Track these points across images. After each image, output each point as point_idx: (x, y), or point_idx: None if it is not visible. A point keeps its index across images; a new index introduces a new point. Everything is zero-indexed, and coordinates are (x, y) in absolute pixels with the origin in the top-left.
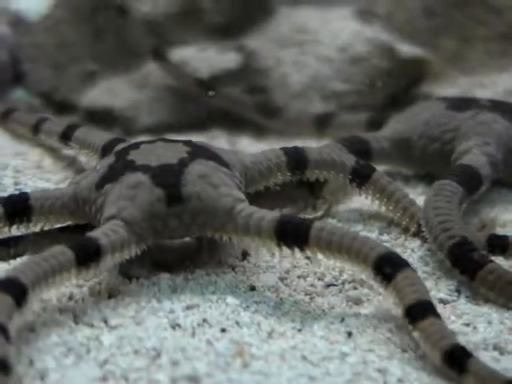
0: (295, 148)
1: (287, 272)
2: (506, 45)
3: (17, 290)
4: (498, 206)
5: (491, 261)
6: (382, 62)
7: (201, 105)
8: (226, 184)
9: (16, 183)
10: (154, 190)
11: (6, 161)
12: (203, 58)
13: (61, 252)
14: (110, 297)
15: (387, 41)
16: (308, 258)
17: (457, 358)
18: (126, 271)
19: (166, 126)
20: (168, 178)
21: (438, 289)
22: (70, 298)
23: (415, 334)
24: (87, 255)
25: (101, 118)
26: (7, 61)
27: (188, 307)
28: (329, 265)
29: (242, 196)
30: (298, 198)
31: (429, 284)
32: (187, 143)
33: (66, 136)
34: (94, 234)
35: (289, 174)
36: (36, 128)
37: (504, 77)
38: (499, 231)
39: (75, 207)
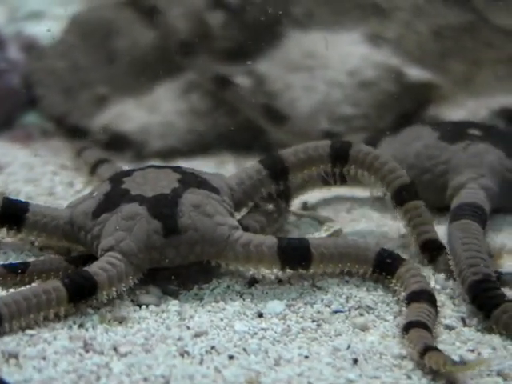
0: (272, 157)
1: (294, 299)
2: None
3: None
4: (504, 232)
5: (509, 300)
6: (391, 86)
7: (210, 129)
8: (219, 212)
9: None
10: (151, 221)
11: (18, 187)
12: (213, 82)
13: (54, 288)
14: (119, 324)
15: (396, 65)
16: (315, 285)
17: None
18: (136, 298)
19: (176, 151)
20: (164, 210)
21: (445, 315)
22: (81, 325)
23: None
24: (81, 293)
25: (112, 142)
26: (20, 85)
27: (196, 334)
28: (336, 291)
29: (236, 223)
30: (272, 209)
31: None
32: (176, 170)
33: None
34: (92, 268)
35: (273, 186)
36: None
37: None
38: (506, 258)
39: (70, 231)
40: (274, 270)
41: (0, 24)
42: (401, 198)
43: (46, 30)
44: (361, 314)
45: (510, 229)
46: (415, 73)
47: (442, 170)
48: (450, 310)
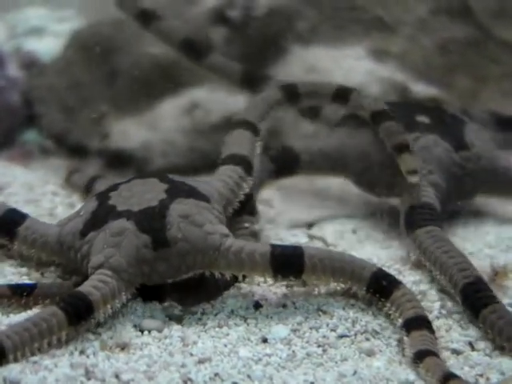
0: (243, 157)
1: (299, 323)
2: None
3: None
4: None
5: (498, 302)
6: None
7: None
8: (209, 221)
9: None
10: (139, 236)
11: (18, 207)
12: (215, 99)
13: (52, 314)
14: (121, 350)
15: (401, 80)
16: (321, 309)
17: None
18: (138, 324)
19: (178, 168)
20: (152, 223)
21: (452, 339)
22: (82, 352)
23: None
24: (79, 314)
25: (113, 160)
26: (19, 103)
27: (200, 361)
28: (341, 315)
29: (226, 230)
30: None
31: (443, 333)
32: (163, 179)
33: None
34: (84, 288)
35: (251, 180)
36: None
37: None
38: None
39: (59, 250)
40: (270, 281)
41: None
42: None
43: (46, 46)
44: (367, 339)
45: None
46: (420, 88)
47: (390, 163)
48: (458, 333)
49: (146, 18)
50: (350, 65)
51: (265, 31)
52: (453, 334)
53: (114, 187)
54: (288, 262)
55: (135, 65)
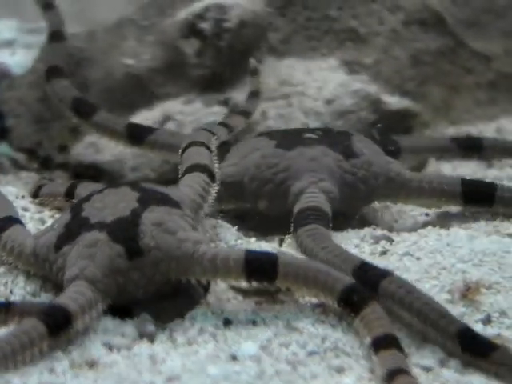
0: (205, 166)
1: (269, 340)
2: (493, 93)
3: None
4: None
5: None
6: (370, 115)
7: None
8: (182, 228)
9: None
10: (112, 246)
11: None
12: (188, 111)
13: (32, 326)
14: (90, 368)
15: (374, 92)
16: (291, 326)
17: None
18: (108, 341)
19: (151, 181)
20: (125, 233)
21: (422, 356)
22: (52, 370)
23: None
24: (58, 325)
25: (86, 173)
26: None
27: (169, 379)
28: (311, 332)
29: (200, 236)
30: None
31: (412, 351)
32: (135, 187)
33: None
34: (61, 300)
35: (216, 187)
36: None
37: (492, 125)
38: (483, 293)
39: (34, 262)
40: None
41: None
42: None
43: (17, 58)
44: (337, 356)
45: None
46: (394, 100)
47: (283, 178)
48: (428, 350)
49: (51, 74)
50: (323, 77)
51: (237, 43)
52: (423, 351)
53: (88, 198)
54: (261, 269)
55: (108, 76)
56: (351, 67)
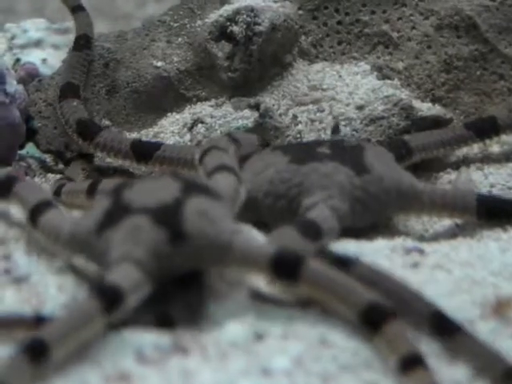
0: (231, 169)
1: (300, 354)
2: None
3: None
4: None
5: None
6: (401, 121)
7: None
8: (221, 218)
9: None
10: (156, 230)
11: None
12: (218, 115)
13: (86, 304)
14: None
15: (406, 98)
16: (322, 339)
17: None
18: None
19: None
20: (168, 218)
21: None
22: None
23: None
24: (112, 302)
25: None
26: (20, 119)
27: None
28: (343, 345)
29: (238, 227)
30: None
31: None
32: (176, 178)
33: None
34: (111, 278)
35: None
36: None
37: None
38: None
39: (73, 246)
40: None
41: None
42: None
43: (43, 58)
44: (368, 370)
45: None
46: (425, 106)
47: (295, 194)
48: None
49: (63, 94)
50: (354, 81)
51: (268, 46)
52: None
53: (127, 185)
54: (286, 269)
55: (137, 78)
56: (383, 72)
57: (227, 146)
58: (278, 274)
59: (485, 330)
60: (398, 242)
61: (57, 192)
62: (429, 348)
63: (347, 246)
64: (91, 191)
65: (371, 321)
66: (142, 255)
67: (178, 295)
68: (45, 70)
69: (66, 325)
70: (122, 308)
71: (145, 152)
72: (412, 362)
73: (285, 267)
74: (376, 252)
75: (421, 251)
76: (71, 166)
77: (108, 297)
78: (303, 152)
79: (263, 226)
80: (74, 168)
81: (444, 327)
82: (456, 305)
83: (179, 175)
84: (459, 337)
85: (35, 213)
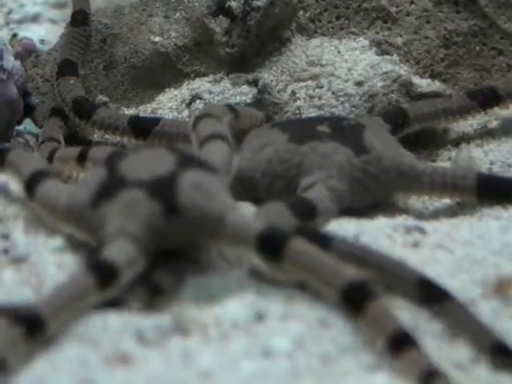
0: (223, 137)
1: (300, 335)
2: None
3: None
4: None
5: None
6: (400, 97)
7: None
8: (216, 192)
9: None
10: (151, 204)
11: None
12: (216, 91)
13: (80, 278)
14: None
15: (405, 74)
16: (322, 321)
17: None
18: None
19: None
20: (163, 192)
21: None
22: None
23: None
24: (106, 278)
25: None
26: (17, 95)
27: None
28: (343, 327)
29: (232, 202)
30: None
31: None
32: (172, 150)
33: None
34: (106, 254)
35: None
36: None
37: None
38: None
39: (69, 218)
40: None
41: None
42: None
43: (42, 35)
44: (369, 353)
45: None
46: (425, 82)
47: (294, 174)
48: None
49: (61, 71)
50: (353, 57)
51: (266, 22)
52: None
53: (121, 156)
54: (270, 247)
55: (134, 53)
56: (381, 47)
57: (222, 113)
58: (263, 252)
59: (486, 309)
60: (399, 220)
61: (49, 158)
62: (428, 327)
63: (347, 225)
64: (81, 158)
65: (353, 300)
66: (137, 230)
67: (163, 265)
68: (41, 46)
69: (61, 300)
70: (116, 284)
71: (143, 128)
72: (401, 342)
73: (269, 246)
74: (377, 230)
75: (421, 230)
76: (49, 123)
77: (103, 273)
78: (302, 130)
79: (261, 203)
80: (52, 125)
81: (432, 294)
82: (457, 284)
83: (174, 147)
84: (448, 303)
85: (31, 183)
